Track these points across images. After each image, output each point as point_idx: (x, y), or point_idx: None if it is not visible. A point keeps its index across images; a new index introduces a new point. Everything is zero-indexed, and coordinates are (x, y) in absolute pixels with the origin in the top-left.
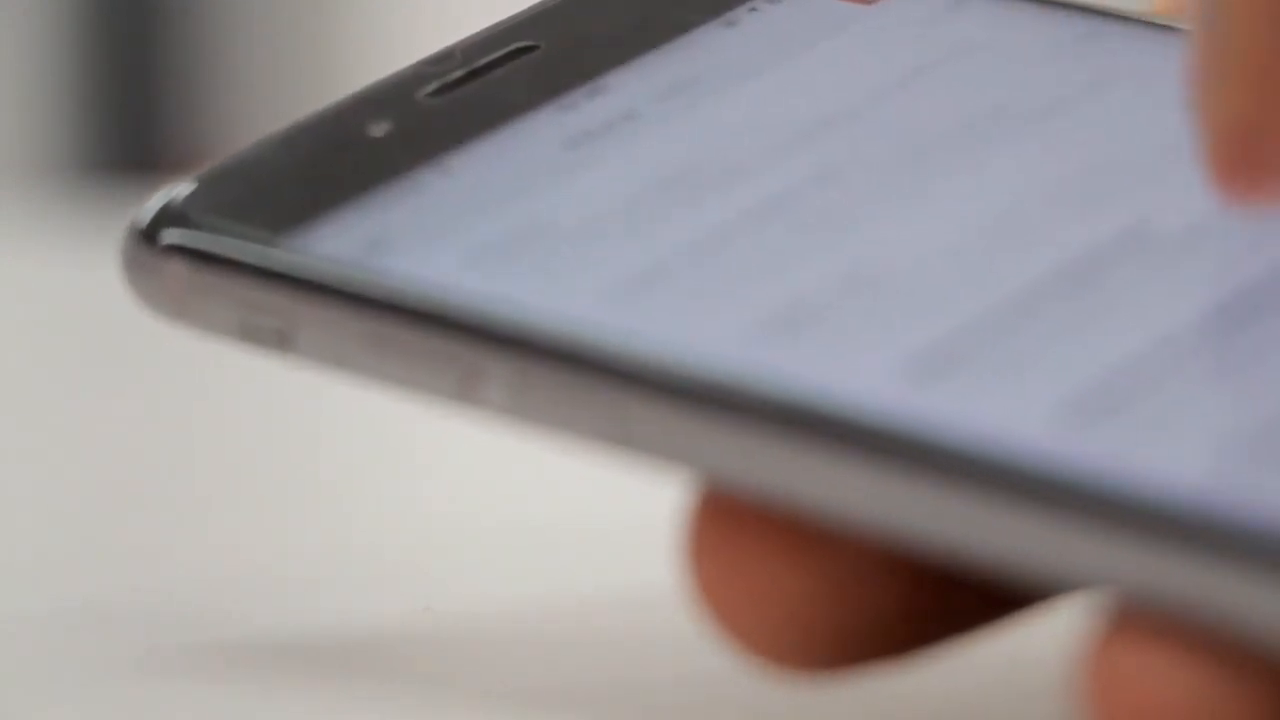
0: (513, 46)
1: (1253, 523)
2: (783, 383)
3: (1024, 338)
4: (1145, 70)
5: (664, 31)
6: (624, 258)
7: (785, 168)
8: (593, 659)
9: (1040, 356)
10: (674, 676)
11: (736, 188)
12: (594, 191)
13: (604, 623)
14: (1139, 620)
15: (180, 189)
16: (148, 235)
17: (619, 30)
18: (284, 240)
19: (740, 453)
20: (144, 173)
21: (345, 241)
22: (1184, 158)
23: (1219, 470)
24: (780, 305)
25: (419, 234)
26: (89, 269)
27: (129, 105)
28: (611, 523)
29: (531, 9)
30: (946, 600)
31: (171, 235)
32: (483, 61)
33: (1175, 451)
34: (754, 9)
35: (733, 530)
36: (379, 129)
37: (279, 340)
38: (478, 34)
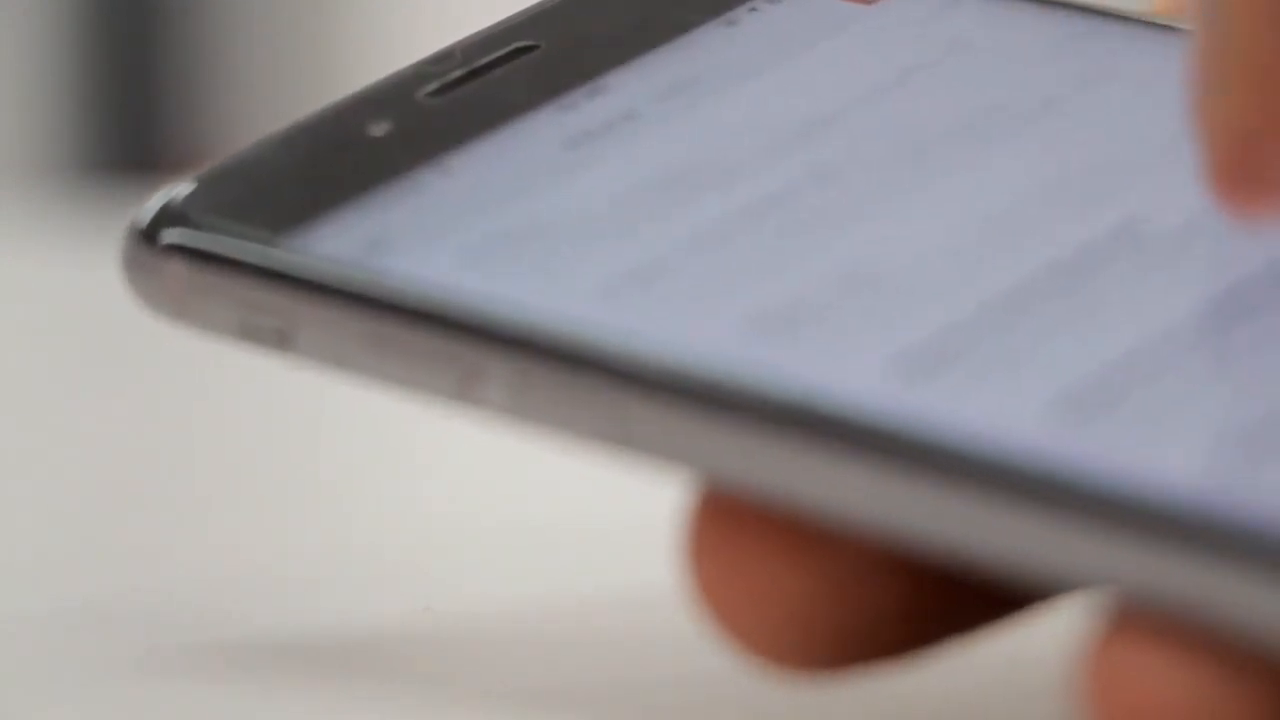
0: (513, 46)
1: (1249, 521)
2: (781, 382)
3: (1020, 335)
4: (1144, 69)
5: (664, 31)
6: (623, 258)
7: (784, 167)
8: (593, 659)
9: (1037, 354)
10: (674, 676)
11: (736, 187)
12: (594, 191)
13: (604, 623)
14: (1139, 620)
15: (180, 189)
16: (148, 235)
17: (619, 30)
18: (284, 240)
19: (739, 452)
20: (144, 173)
21: (345, 241)
22: (1178, 156)
23: (1214, 468)
24: (779, 304)
25: (419, 234)
26: (89, 269)
27: (129, 105)
28: (611, 523)
29: (531, 9)
30: (946, 600)
31: (171, 235)
32: (483, 61)
33: (1171, 449)
34: (754, 9)
35: (733, 530)
36: (379, 129)
37: (279, 340)
38: (478, 34)
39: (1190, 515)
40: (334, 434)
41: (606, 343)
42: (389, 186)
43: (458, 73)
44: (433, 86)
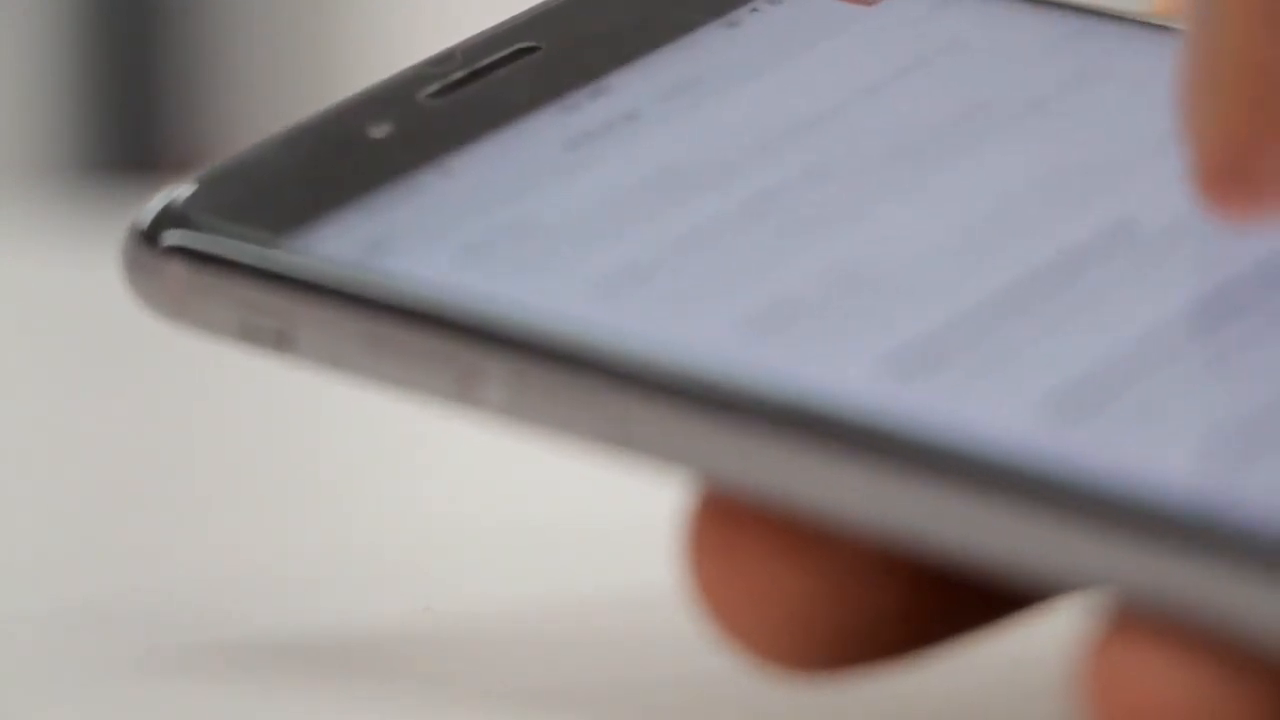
0: (514, 47)
1: (1246, 520)
2: (780, 381)
3: (1017, 333)
4: (1143, 70)
5: (665, 32)
6: (624, 259)
7: (785, 167)
8: (593, 659)
9: (1034, 352)
10: (674, 676)
11: (736, 188)
12: (594, 192)
13: (604, 623)
14: (1139, 620)
15: (181, 190)
16: (148, 236)
17: (620, 31)
18: (284, 241)
19: (736, 452)
20: (144, 173)
21: (346, 242)
22: (1172, 156)
23: (1211, 467)
24: (778, 304)
25: (419, 235)
26: (89, 269)
27: (129, 105)
28: (611, 523)
29: (533, 10)
30: (946, 601)
31: (172, 236)
32: (484, 62)
33: (1167, 448)
34: (755, 9)
35: (732, 531)
36: (380, 130)
37: (279, 341)
38: (479, 35)
39: (1186, 514)
40: (334, 434)
41: (605, 343)
42: (390, 188)
43: (459, 74)
44: (434, 88)
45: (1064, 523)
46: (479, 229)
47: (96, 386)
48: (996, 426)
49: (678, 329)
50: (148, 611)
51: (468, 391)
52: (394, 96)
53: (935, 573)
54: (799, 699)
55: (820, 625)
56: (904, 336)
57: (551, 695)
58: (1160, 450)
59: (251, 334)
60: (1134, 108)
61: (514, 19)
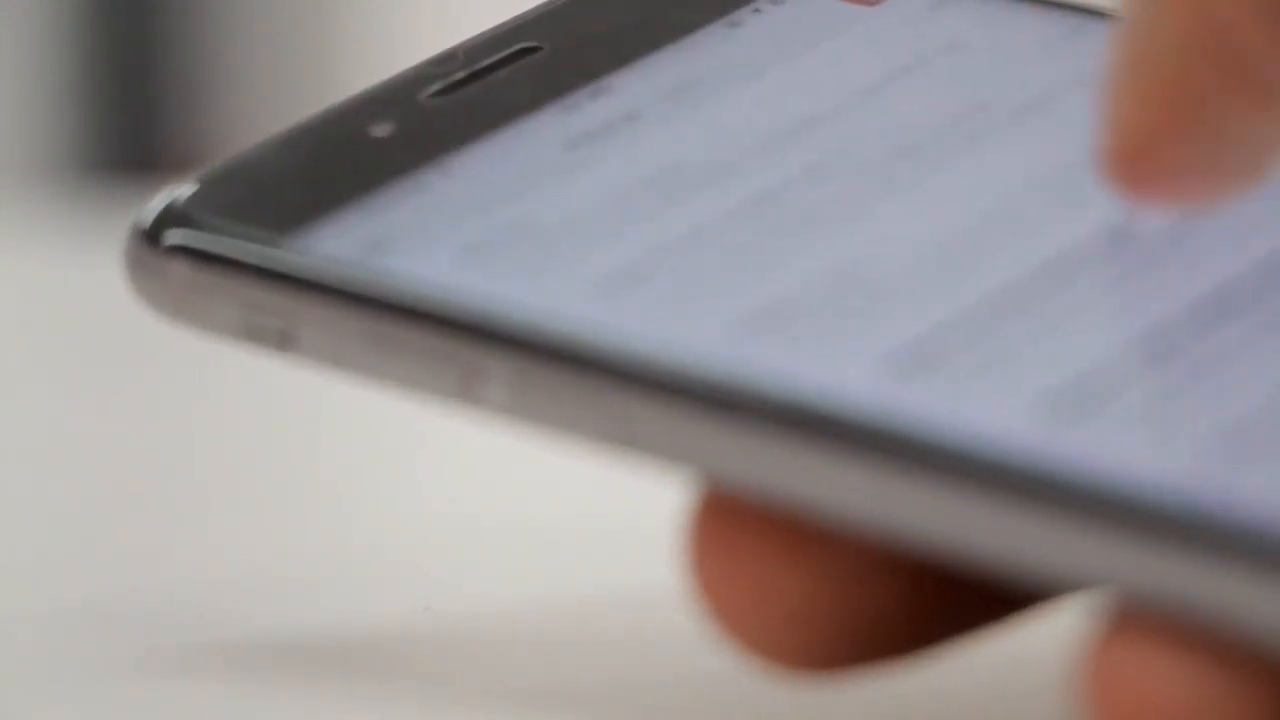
0: (516, 47)
1: (1244, 520)
2: (782, 381)
3: (1017, 332)
4: None
5: (667, 32)
6: (624, 258)
7: (786, 168)
8: (593, 659)
9: (1033, 351)
10: (674, 676)
11: (738, 188)
12: (595, 192)
13: (604, 623)
14: (1139, 620)
15: (183, 189)
16: (150, 235)
17: (622, 31)
18: (286, 240)
19: (739, 451)
20: (144, 173)
21: (347, 242)
22: None
23: (1210, 466)
24: (779, 303)
25: (421, 234)
26: (89, 269)
27: (129, 105)
28: (611, 523)
29: (534, 10)
30: (947, 601)
31: (174, 236)
32: (485, 62)
33: (1167, 448)
34: (757, 10)
35: (734, 530)
36: (381, 130)
37: (281, 340)
38: (481, 35)
39: (1186, 513)
40: (334, 434)
41: (606, 342)
42: (391, 187)
43: (460, 74)
44: (435, 88)
45: (1063, 522)
46: (480, 229)
47: (96, 386)
48: (996, 426)
49: (678, 328)
50: (148, 611)
51: (469, 391)
52: (395, 96)
53: (936, 573)
54: (800, 699)
55: (821, 625)
56: (904, 336)
57: (551, 695)
58: (1160, 449)
59: (253, 333)
60: None
61: (515, 19)
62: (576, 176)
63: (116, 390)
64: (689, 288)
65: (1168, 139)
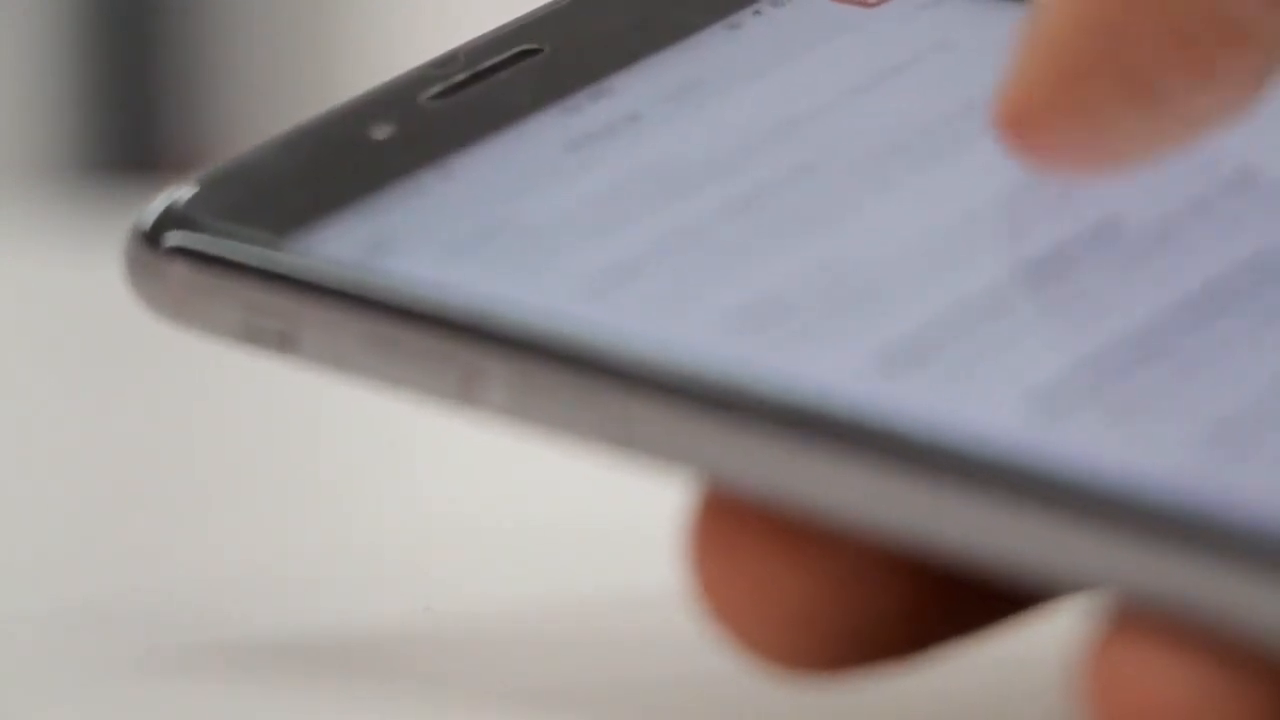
0: (516, 49)
1: (1245, 519)
2: (781, 380)
3: (1020, 330)
4: None
5: (667, 34)
6: (624, 260)
7: (787, 169)
8: (593, 659)
9: (1033, 351)
10: (674, 676)
11: (739, 189)
12: (596, 194)
13: (604, 623)
14: (1139, 620)
15: (183, 191)
16: (151, 237)
17: (623, 33)
18: (287, 242)
19: (738, 450)
20: (144, 173)
21: (348, 243)
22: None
23: (1211, 466)
24: (783, 305)
25: (421, 236)
26: (89, 269)
27: (129, 105)
28: (611, 523)
29: (535, 12)
30: (948, 601)
31: (174, 237)
32: (486, 64)
33: (1166, 447)
34: (757, 12)
35: (735, 530)
36: (382, 131)
37: (281, 341)
38: (481, 37)
39: (1187, 513)
40: (334, 434)
41: (606, 344)
42: (392, 189)
43: (461, 76)
44: (436, 89)
45: (1061, 521)
46: (481, 230)
47: (96, 386)
48: (996, 424)
49: (677, 329)
50: (148, 611)
51: (469, 392)
52: (396, 98)
53: (937, 573)
54: (800, 699)
55: (821, 625)
56: (904, 334)
57: (551, 695)
58: (1161, 448)
59: (253, 335)
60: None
61: (516, 21)
62: (577, 178)
63: (116, 390)
64: (689, 289)
65: (1050, 111)
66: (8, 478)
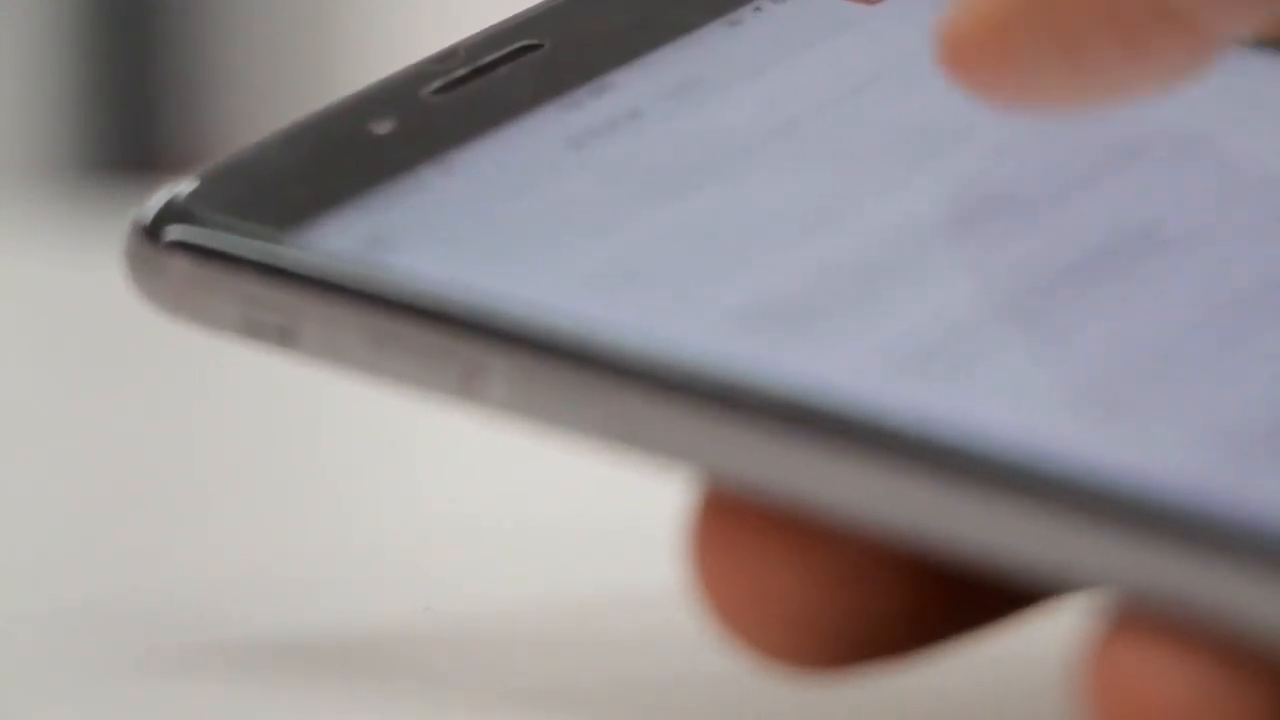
0: (517, 45)
1: (1245, 518)
2: (783, 377)
3: (1026, 331)
4: None
5: (668, 30)
6: (625, 255)
7: (788, 166)
8: (593, 659)
9: (1033, 353)
10: (674, 676)
11: (740, 185)
12: (597, 190)
13: (604, 623)
14: (1139, 620)
15: (184, 186)
16: (151, 232)
17: (623, 29)
18: (287, 237)
19: (739, 447)
20: (144, 173)
21: (348, 238)
22: (1196, 154)
23: (1212, 465)
24: (780, 300)
25: (422, 231)
26: (89, 269)
27: (129, 105)
28: (612, 522)
29: (536, 8)
30: (949, 600)
31: (175, 232)
32: (487, 60)
33: (1171, 446)
34: (758, 8)
35: (736, 528)
36: (383, 127)
37: (281, 337)
38: (482, 32)
39: (1187, 512)
40: (334, 434)
41: (607, 339)
42: (392, 184)
43: (461, 71)
44: (436, 85)
45: (1063, 519)
46: (481, 225)
47: (96, 386)
48: (998, 422)
49: (678, 325)
50: (148, 611)
51: (470, 388)
52: (397, 93)
53: (938, 572)
54: (800, 698)
55: (822, 623)
56: (908, 333)
57: (551, 695)
58: (1161, 448)
59: (254, 329)
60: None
61: (516, 16)
62: (577, 174)
63: (116, 390)
64: (689, 285)
65: (983, 51)
66: (8, 478)
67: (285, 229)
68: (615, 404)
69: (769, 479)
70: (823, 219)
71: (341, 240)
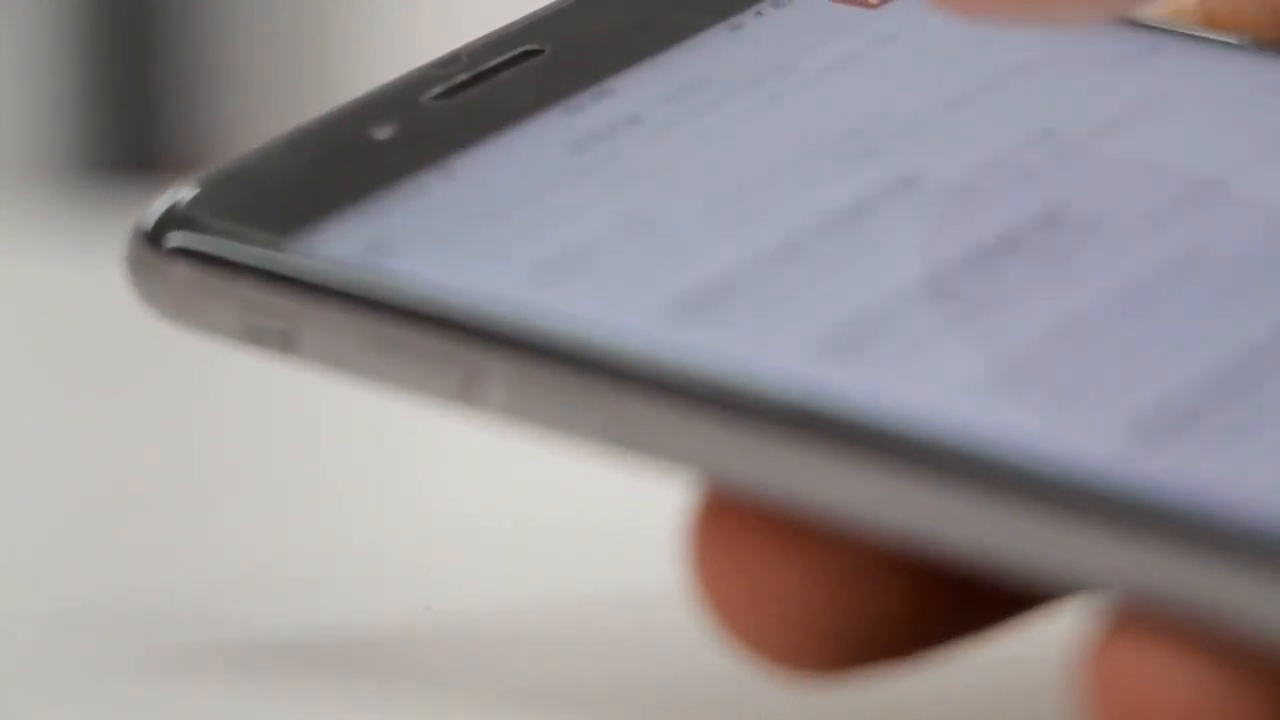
0: (518, 50)
1: (1245, 518)
2: (783, 380)
3: (1023, 333)
4: (1151, 78)
5: (669, 35)
6: (625, 260)
7: (788, 169)
8: (593, 659)
9: (1038, 353)
10: (674, 676)
11: (740, 190)
12: (598, 195)
13: (604, 623)
14: (1139, 620)
15: (185, 191)
16: (152, 238)
17: (624, 34)
18: (288, 243)
19: (739, 451)
20: (144, 173)
21: (349, 244)
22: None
23: (1211, 465)
24: (780, 301)
25: (422, 237)
26: (89, 269)
27: (129, 105)
28: (611, 523)
29: (537, 13)
30: (949, 602)
31: (176, 238)
32: (488, 65)
33: (1171, 446)
34: (759, 13)
35: (735, 530)
36: (384, 132)
37: (282, 342)
38: (483, 37)
39: (1187, 512)
40: (334, 434)
41: (606, 343)
42: (393, 190)
43: (463, 76)
44: (438, 90)
45: (1064, 520)
46: (482, 231)
47: (96, 386)
48: (999, 425)
49: (678, 330)
50: (148, 611)
51: (470, 392)
52: (398, 98)
53: (938, 574)
54: (800, 699)
55: (822, 625)
56: (906, 335)
57: (551, 695)
58: (1162, 448)
59: (255, 335)
60: (1136, 108)
61: (518, 22)
62: (579, 179)
63: (116, 390)
64: (693, 289)
65: None
66: (8, 478)
67: (286, 235)
68: (615, 409)
69: (769, 482)
70: (824, 220)
71: (342, 246)
